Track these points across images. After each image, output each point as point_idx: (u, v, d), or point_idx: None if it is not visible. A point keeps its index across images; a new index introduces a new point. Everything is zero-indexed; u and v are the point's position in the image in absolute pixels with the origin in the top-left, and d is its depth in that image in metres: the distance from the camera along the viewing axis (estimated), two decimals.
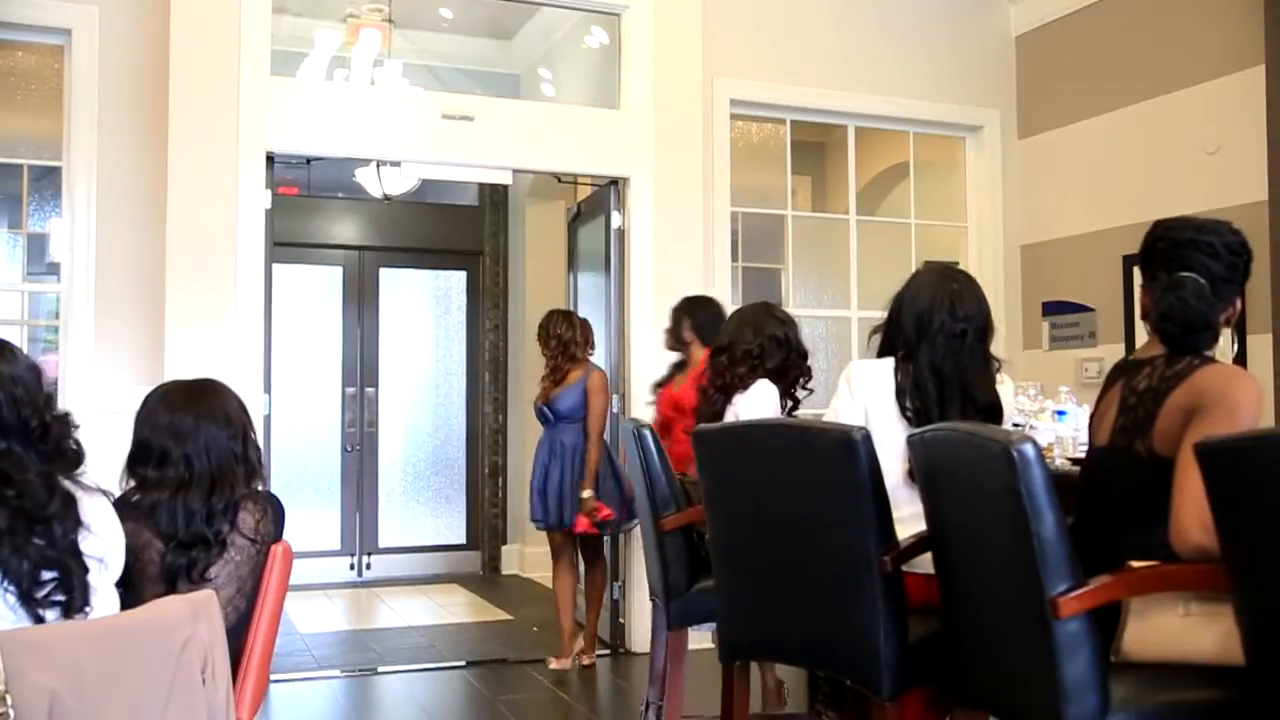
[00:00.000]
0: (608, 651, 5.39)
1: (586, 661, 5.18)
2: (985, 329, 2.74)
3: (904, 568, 2.34)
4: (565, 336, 5.16)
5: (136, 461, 2.33)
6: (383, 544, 7.75)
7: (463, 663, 5.36)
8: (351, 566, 7.66)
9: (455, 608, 6.74)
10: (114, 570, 2.00)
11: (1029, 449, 1.88)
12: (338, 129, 5.17)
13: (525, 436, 7.64)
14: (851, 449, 2.28)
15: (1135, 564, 1.94)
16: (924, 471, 2.29)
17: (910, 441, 2.36)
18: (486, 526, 7.85)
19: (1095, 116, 6.19)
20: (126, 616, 1.95)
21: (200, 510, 2.30)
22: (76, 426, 2.03)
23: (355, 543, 7.70)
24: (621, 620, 5.50)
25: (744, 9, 6.03)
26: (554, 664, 5.14)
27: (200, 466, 2.30)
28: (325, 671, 5.16)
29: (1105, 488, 2.22)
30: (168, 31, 4.87)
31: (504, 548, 7.90)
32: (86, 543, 1.90)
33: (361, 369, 7.81)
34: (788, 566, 2.47)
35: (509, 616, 6.47)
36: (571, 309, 5.73)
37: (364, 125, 5.22)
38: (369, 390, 7.79)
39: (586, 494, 4.96)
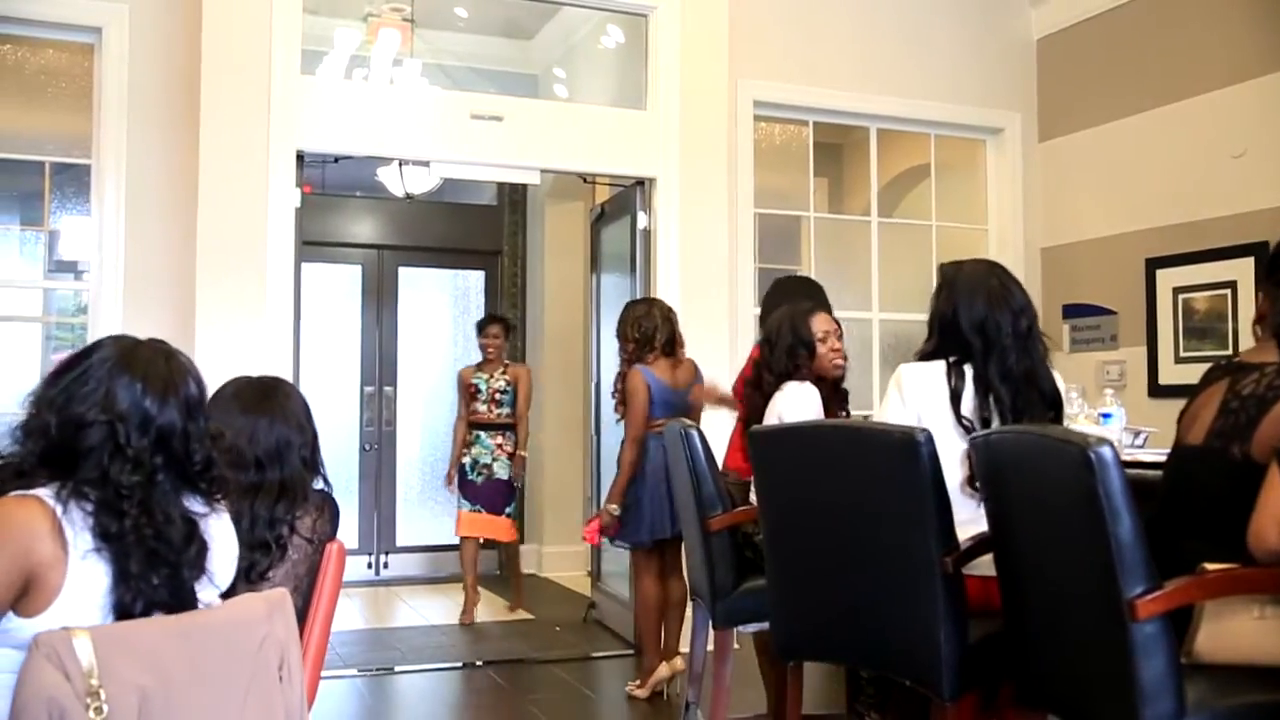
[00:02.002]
0: (632, 651, 5.39)
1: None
2: (1035, 313, 2.75)
3: None
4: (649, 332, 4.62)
5: None
6: (400, 543, 7.76)
7: (486, 662, 5.36)
8: (369, 565, 7.66)
9: (476, 607, 6.72)
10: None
11: (1107, 451, 1.89)
12: (368, 128, 5.18)
13: (543, 437, 7.67)
14: (914, 450, 2.29)
15: (1209, 566, 1.95)
16: (989, 473, 2.30)
17: (974, 443, 2.36)
18: None
19: (1117, 120, 6.21)
20: (209, 614, 1.96)
21: (265, 516, 2.31)
22: (226, 450, 1.98)
23: (373, 541, 7.71)
24: None
25: (768, 11, 6.05)
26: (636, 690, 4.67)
27: (272, 474, 2.30)
28: (350, 670, 5.16)
29: (1190, 487, 2.22)
30: (198, 30, 4.88)
31: (521, 547, 7.89)
32: (204, 592, 1.88)
33: (380, 368, 7.82)
34: (846, 567, 2.48)
35: (529, 616, 6.47)
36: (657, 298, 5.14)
37: (393, 124, 5.23)
38: (387, 389, 7.80)
39: (614, 508, 4.57)
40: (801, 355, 3.48)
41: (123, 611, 1.74)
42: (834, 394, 3.57)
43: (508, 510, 6.28)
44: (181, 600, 1.82)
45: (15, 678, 1.68)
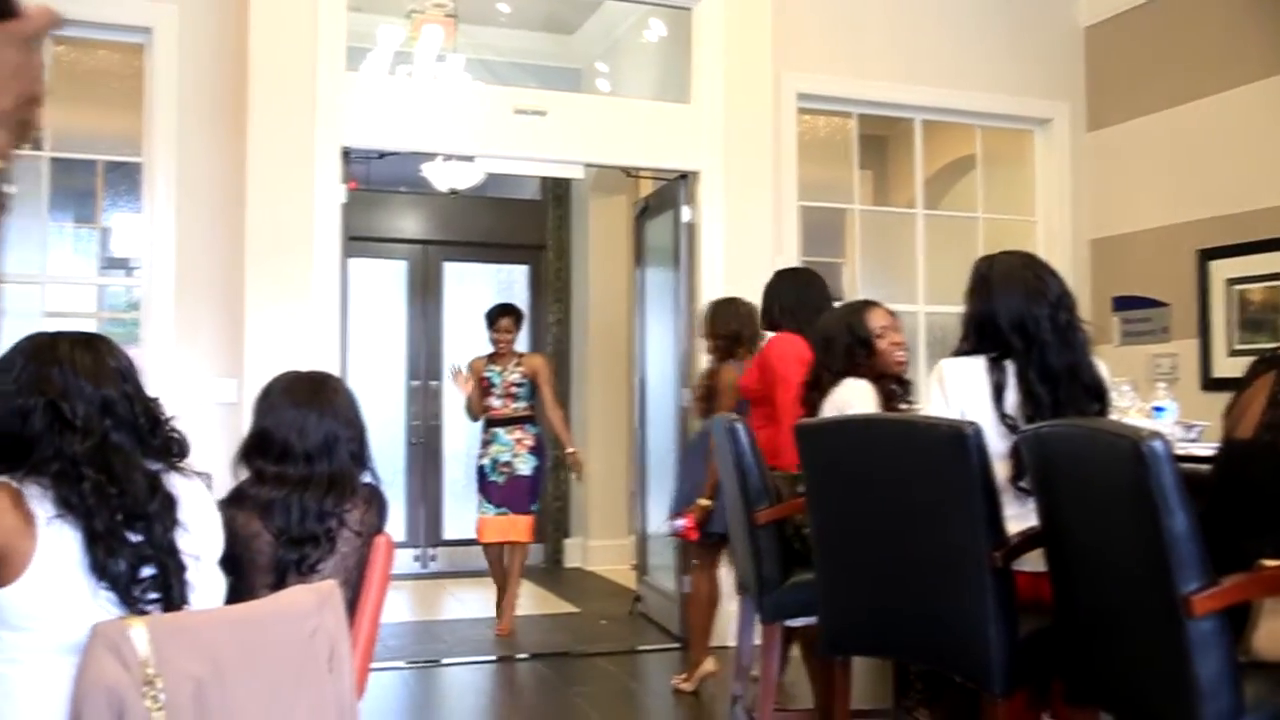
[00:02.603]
0: (678, 645, 5.39)
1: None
2: (1073, 303, 2.71)
3: None
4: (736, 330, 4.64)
5: (255, 451, 2.37)
6: (447, 536, 7.81)
7: (532, 655, 5.37)
8: (416, 558, 7.72)
9: (521, 600, 6.75)
10: (211, 559, 2.02)
11: (1159, 445, 1.86)
12: (412, 123, 5.22)
13: (588, 430, 7.69)
14: (963, 444, 2.27)
15: (1267, 563, 1.91)
16: (1039, 467, 2.27)
17: (1023, 438, 2.34)
18: (549, 520, 7.88)
19: (1168, 109, 6.10)
20: (260, 605, 1.99)
21: (315, 509, 2.34)
22: (171, 417, 2.05)
23: (420, 534, 7.77)
24: None
25: (811, 3, 6.01)
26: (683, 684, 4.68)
27: (321, 468, 2.33)
28: (397, 661, 5.20)
29: (1242, 483, 2.19)
30: (245, 29, 4.93)
31: (566, 541, 7.95)
32: (183, 540, 1.92)
33: (426, 362, 7.87)
34: (895, 562, 2.47)
35: (575, 609, 6.50)
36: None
37: (437, 120, 5.26)
38: (433, 384, 7.84)
39: (706, 502, 4.44)
40: (860, 354, 3.42)
41: (103, 570, 1.78)
42: (896, 386, 3.51)
43: (533, 508, 5.94)
44: (164, 551, 1.86)
45: (14, 665, 1.73)
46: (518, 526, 5.88)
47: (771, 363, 4.06)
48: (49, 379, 1.86)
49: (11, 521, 1.74)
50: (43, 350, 1.91)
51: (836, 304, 4.21)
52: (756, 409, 4.20)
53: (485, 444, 5.96)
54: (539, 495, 6.05)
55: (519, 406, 5.96)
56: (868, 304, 3.59)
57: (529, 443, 5.92)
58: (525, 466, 5.89)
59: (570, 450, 6.07)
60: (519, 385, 5.97)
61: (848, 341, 3.40)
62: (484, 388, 6.00)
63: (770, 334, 4.30)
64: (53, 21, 0.87)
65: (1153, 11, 6.21)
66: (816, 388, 3.36)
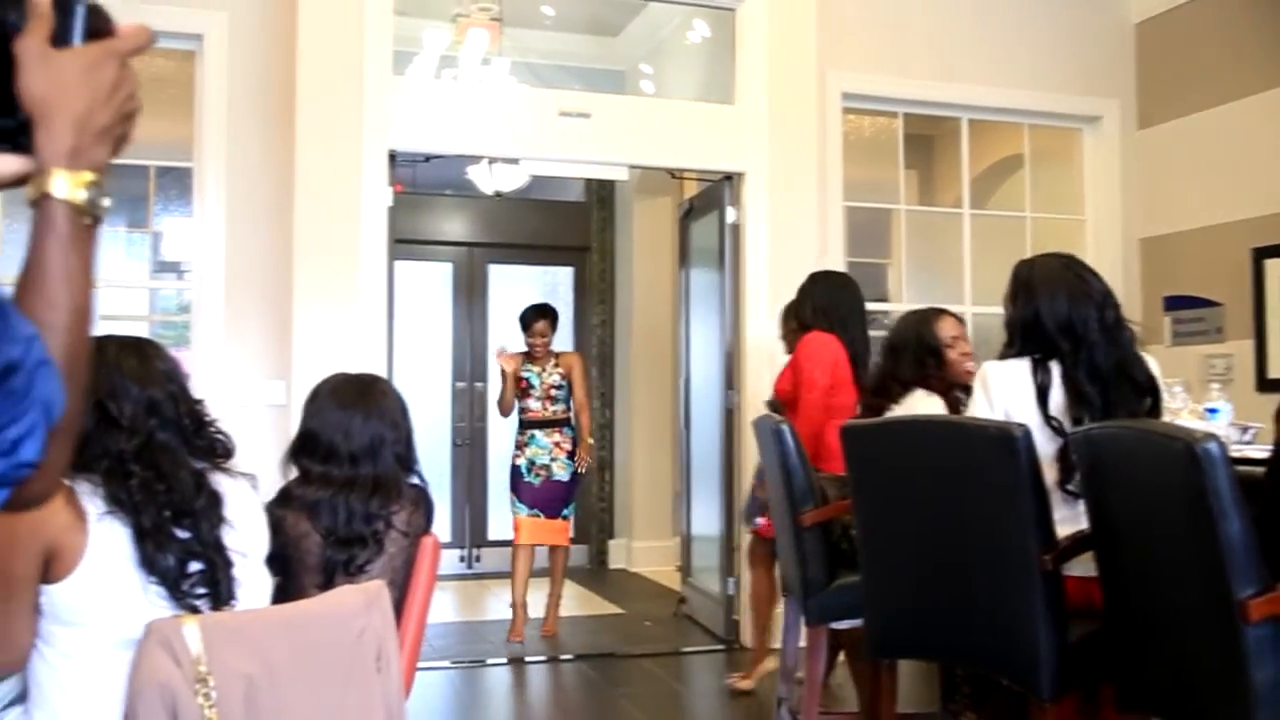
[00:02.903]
0: (723, 646, 5.39)
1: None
2: (1117, 301, 2.68)
3: None
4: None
5: (302, 451, 2.39)
6: (491, 537, 7.84)
7: (576, 656, 5.39)
8: (462, 559, 7.76)
9: (565, 601, 6.72)
10: (257, 557, 2.04)
11: (1214, 448, 1.83)
12: (457, 127, 5.25)
13: (632, 431, 7.70)
14: (1012, 445, 2.25)
15: None
16: (1089, 469, 2.25)
17: (1073, 439, 2.31)
18: (594, 520, 7.90)
19: (1221, 105, 6.00)
20: (309, 605, 2.01)
21: (361, 511, 2.36)
22: (216, 419, 2.08)
23: (465, 535, 7.81)
24: (736, 617, 5.47)
25: (856, 1, 5.98)
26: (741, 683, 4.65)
27: (365, 470, 2.35)
28: (443, 661, 5.23)
29: None
30: (294, 35, 4.98)
31: (611, 542, 7.96)
32: (230, 537, 1.95)
33: (471, 364, 7.91)
34: (943, 565, 2.45)
35: (620, 610, 6.50)
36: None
37: (482, 123, 5.29)
38: (478, 385, 7.88)
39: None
40: (930, 363, 3.36)
41: (153, 566, 1.81)
42: (961, 394, 3.46)
43: (565, 513, 5.80)
44: (211, 548, 1.89)
45: (67, 659, 1.75)
46: (555, 530, 5.80)
47: (799, 363, 4.07)
48: (96, 379, 1.88)
49: (65, 518, 1.77)
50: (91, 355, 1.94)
51: (870, 304, 4.21)
52: (789, 412, 4.18)
53: (521, 445, 5.84)
54: (573, 500, 5.90)
55: (557, 409, 5.84)
56: (938, 312, 3.52)
57: (567, 447, 5.79)
58: (563, 472, 5.76)
59: (589, 440, 5.92)
60: (558, 388, 5.84)
61: (917, 351, 3.35)
62: (522, 389, 5.87)
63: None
64: (148, 39, 0.89)
65: (1204, 7, 6.11)
66: (884, 394, 3.31)
